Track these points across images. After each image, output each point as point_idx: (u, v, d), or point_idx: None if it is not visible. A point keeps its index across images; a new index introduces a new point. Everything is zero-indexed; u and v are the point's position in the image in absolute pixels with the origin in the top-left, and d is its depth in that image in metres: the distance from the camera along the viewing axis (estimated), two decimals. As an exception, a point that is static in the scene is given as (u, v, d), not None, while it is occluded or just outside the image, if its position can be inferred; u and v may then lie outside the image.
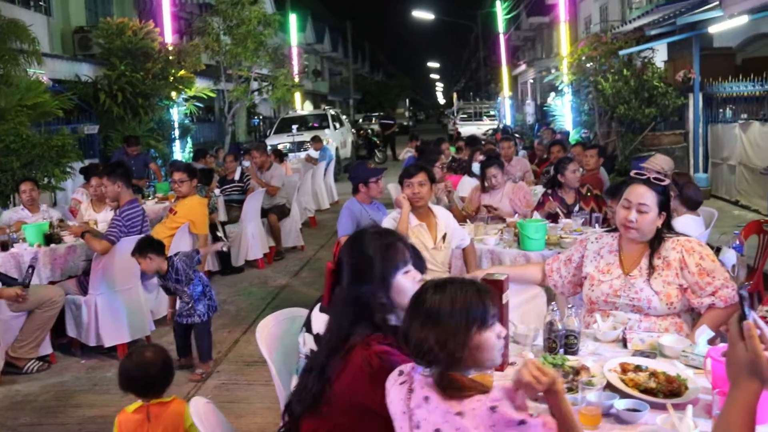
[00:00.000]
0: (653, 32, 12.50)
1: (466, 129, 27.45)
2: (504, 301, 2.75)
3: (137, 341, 5.73)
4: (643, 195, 3.25)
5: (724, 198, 11.06)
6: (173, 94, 14.68)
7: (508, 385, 1.88)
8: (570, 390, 2.44)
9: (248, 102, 18.42)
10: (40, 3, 14.74)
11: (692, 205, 5.10)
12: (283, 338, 3.22)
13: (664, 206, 3.31)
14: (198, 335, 5.26)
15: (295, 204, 10.51)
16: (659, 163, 6.06)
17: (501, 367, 2.76)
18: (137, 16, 16.74)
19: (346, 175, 20.02)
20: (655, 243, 3.29)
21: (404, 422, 1.98)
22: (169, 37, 15.71)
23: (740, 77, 10.60)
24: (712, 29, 10.88)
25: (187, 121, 15.92)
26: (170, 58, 14.21)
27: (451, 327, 1.91)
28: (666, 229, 3.35)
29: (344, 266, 2.48)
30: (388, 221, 4.63)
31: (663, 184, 3.35)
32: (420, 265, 2.93)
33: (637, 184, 3.32)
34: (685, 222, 4.74)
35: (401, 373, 2.04)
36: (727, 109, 11.13)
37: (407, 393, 1.99)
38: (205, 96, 16.19)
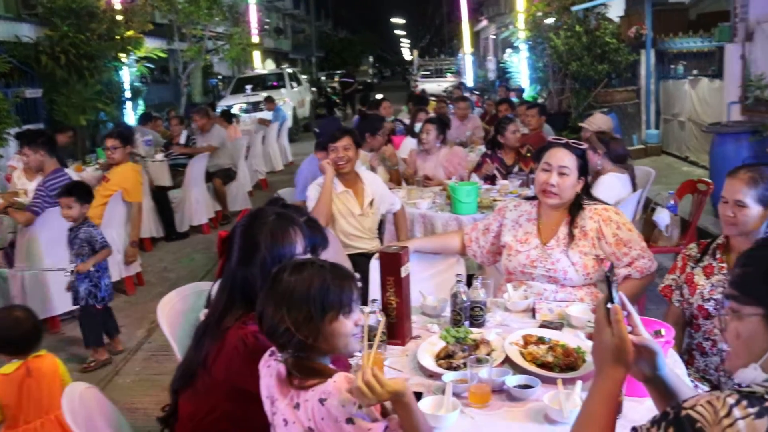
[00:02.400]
0: (607, -13, 12.38)
1: (428, 86, 27.17)
2: (403, 275, 2.67)
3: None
4: (563, 158, 3.18)
5: (674, 154, 11.08)
6: (122, 55, 14.25)
7: (352, 379, 1.79)
8: (465, 366, 2.38)
9: (203, 62, 17.99)
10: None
11: (619, 160, 5.06)
12: (188, 314, 3.11)
13: (583, 171, 3.24)
14: (80, 318, 5.01)
15: (244, 166, 10.34)
16: (597, 122, 6.01)
17: (402, 342, 2.69)
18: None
19: (305, 134, 19.91)
20: (574, 210, 3.23)
21: (268, 407, 1.90)
22: (115, -5, 15.20)
23: (693, 32, 10.54)
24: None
25: (138, 83, 15.50)
26: (117, 18, 13.76)
27: (304, 312, 1.82)
28: (585, 196, 3.29)
29: (234, 242, 2.37)
30: (314, 188, 4.50)
31: (582, 147, 3.29)
32: (321, 242, 2.84)
33: (556, 148, 3.25)
34: (610, 180, 4.70)
35: (272, 353, 1.95)
36: (679, 65, 11.09)
37: (270, 377, 1.90)
38: (156, 57, 15.76)
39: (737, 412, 1.21)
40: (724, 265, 2.83)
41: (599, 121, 5.85)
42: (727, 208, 2.73)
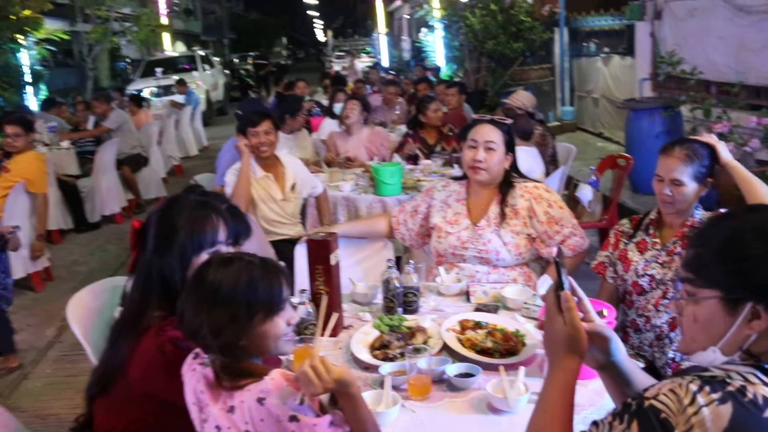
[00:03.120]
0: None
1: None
2: (333, 262, 2.53)
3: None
4: (488, 134, 3.12)
5: (589, 130, 11.28)
6: (19, 36, 13.48)
7: (290, 374, 1.65)
8: (402, 356, 2.27)
9: (109, 45, 17.24)
10: None
11: (525, 136, 5.05)
12: (102, 313, 2.88)
13: (510, 147, 3.19)
14: None
15: (157, 152, 9.95)
16: (521, 99, 5.98)
17: (334, 333, 2.56)
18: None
19: (220, 118, 19.42)
20: (504, 187, 3.16)
21: (195, 414, 1.73)
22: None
23: (604, 11, 10.69)
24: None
25: (39, 67, 14.72)
26: (11, -5, 13.00)
27: (229, 313, 1.65)
28: (514, 172, 3.23)
29: (150, 231, 2.17)
30: (232, 173, 4.29)
31: (507, 123, 3.22)
32: (245, 230, 2.67)
33: (481, 124, 3.18)
34: (519, 153, 4.65)
35: (197, 356, 1.78)
36: (591, 43, 11.26)
37: (198, 381, 1.73)
38: (58, 39, 15.00)
39: (701, 399, 1.16)
40: (657, 240, 2.80)
41: (522, 97, 5.82)
42: (664, 187, 2.70)
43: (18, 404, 4.14)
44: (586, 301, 1.55)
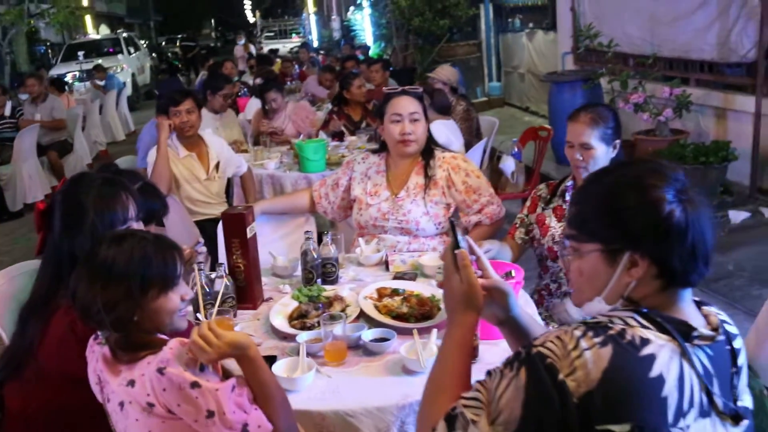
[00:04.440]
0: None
1: (273, 48, 26.62)
2: (249, 235, 2.55)
3: None
4: (409, 105, 3.16)
5: (516, 105, 11.47)
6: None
7: (187, 342, 1.67)
8: (319, 325, 2.31)
9: (26, 27, 16.66)
10: None
11: (443, 111, 5.14)
12: (18, 297, 2.81)
13: (425, 113, 3.23)
14: None
15: (82, 137, 9.71)
16: (445, 73, 6.05)
17: (254, 305, 2.59)
18: None
19: (147, 102, 19.00)
20: (426, 155, 3.21)
21: (98, 394, 1.74)
22: None
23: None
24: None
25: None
26: None
27: (123, 288, 1.66)
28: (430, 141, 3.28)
29: (57, 210, 2.15)
30: (153, 153, 4.23)
31: (419, 91, 3.29)
32: (161, 207, 2.67)
33: (398, 97, 3.22)
34: (437, 127, 4.72)
35: (96, 337, 1.78)
36: (516, 18, 11.42)
37: (96, 361, 1.74)
38: (-32, 21, 14.45)
39: (584, 343, 1.22)
40: (573, 206, 2.89)
41: (446, 72, 5.90)
42: (574, 152, 2.78)
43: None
44: (484, 259, 1.61)
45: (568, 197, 2.91)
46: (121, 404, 1.65)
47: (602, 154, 2.78)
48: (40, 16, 17.63)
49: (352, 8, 19.22)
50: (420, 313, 2.37)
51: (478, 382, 1.33)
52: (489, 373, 1.32)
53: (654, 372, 1.21)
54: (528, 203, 3.08)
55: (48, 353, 1.95)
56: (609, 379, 1.19)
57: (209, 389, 1.59)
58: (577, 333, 1.24)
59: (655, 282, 1.32)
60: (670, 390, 1.21)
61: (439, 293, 2.51)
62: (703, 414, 1.25)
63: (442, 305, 2.41)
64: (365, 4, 15.06)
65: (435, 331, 2.19)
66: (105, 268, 1.68)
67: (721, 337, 1.32)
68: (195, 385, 1.58)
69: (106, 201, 2.10)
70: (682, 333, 1.27)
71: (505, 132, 8.22)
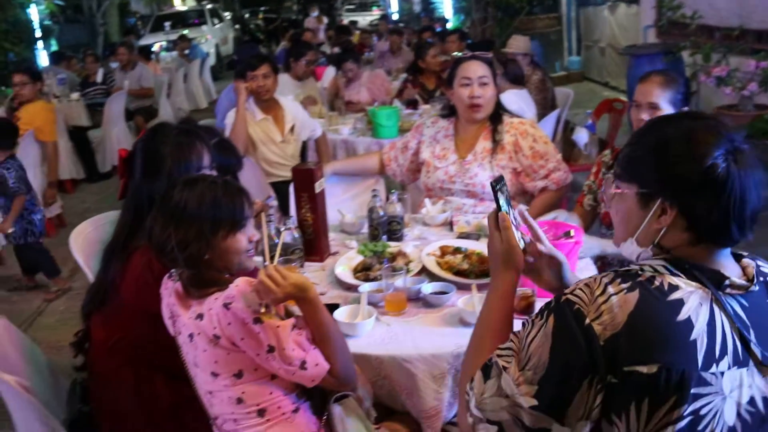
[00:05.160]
0: None
1: (354, 20, 26.70)
2: (317, 190, 2.66)
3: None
4: (478, 69, 3.19)
5: (595, 80, 11.26)
6: (27, -9, 13.53)
7: (254, 281, 1.77)
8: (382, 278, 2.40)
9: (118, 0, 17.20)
10: None
11: (517, 80, 5.12)
12: (103, 243, 3.02)
13: (494, 79, 3.26)
14: (27, 256, 5.10)
15: (167, 104, 10.07)
16: (518, 44, 6.04)
17: (321, 258, 2.70)
18: None
19: (230, 71, 19.38)
20: (495, 119, 3.25)
21: (171, 328, 1.89)
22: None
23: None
24: None
25: (48, 22, 14.75)
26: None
27: (195, 228, 1.78)
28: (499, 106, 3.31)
29: (137, 158, 2.31)
30: (232, 115, 4.40)
31: (489, 56, 3.32)
32: (236, 163, 2.79)
33: (467, 62, 3.25)
34: (509, 97, 4.72)
35: (171, 275, 1.92)
36: (598, -10, 11.18)
37: (170, 296, 1.88)
38: (64, -7, 15.02)
39: (611, 289, 1.26)
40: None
41: (519, 42, 5.88)
42: (641, 112, 2.72)
43: (34, 337, 4.33)
44: (537, 227, 1.66)
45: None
46: (191, 336, 1.79)
47: None
48: (131, -12, 18.21)
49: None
50: (480, 270, 2.43)
51: (513, 333, 1.39)
52: (523, 324, 1.37)
53: (682, 316, 1.22)
54: (594, 169, 3.09)
55: (127, 289, 2.11)
56: (635, 322, 1.22)
57: (271, 326, 1.70)
58: (605, 280, 1.28)
59: (685, 234, 1.32)
60: (699, 333, 1.22)
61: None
62: (739, 363, 1.25)
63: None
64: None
65: (492, 286, 2.25)
66: (178, 210, 1.79)
67: (756, 288, 1.31)
68: (257, 320, 1.70)
69: (182, 149, 2.24)
70: (714, 281, 1.28)
71: (583, 106, 8.10)
